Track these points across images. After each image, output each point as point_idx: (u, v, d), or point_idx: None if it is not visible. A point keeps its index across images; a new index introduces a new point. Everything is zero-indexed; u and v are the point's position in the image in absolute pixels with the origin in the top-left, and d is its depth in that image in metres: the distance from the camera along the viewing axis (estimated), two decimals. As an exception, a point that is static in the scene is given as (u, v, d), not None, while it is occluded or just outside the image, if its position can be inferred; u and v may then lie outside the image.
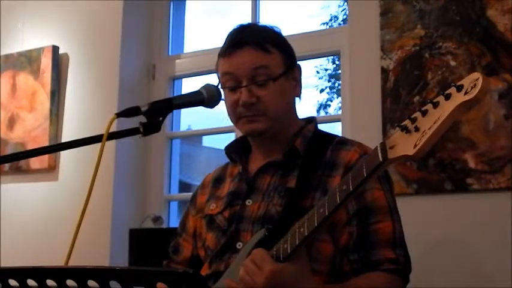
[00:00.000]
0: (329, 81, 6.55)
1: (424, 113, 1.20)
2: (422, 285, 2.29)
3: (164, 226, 3.13)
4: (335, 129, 2.88)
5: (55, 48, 3.40)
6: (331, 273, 1.62)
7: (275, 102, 1.72)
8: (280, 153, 1.76)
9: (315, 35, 2.97)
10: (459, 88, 1.14)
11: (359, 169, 1.31)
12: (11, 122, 3.48)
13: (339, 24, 5.08)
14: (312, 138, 1.78)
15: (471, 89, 1.10)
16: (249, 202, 1.75)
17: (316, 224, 1.39)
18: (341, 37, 2.81)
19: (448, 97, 1.15)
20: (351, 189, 1.32)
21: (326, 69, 6.47)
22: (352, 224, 1.62)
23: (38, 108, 3.39)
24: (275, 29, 1.83)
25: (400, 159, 1.23)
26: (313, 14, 3.90)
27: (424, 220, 2.37)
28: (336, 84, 6.25)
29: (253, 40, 1.73)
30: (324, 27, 4.04)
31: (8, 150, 3.39)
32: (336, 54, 3.06)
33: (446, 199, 2.34)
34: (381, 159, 1.25)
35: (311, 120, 1.85)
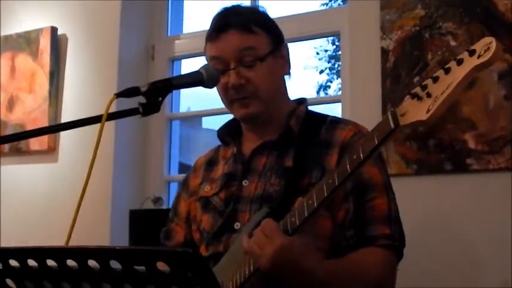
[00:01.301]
0: (329, 62, 6.55)
1: (436, 80, 1.20)
2: (420, 264, 2.30)
3: (164, 207, 3.13)
4: (335, 110, 2.87)
5: (53, 29, 3.38)
6: (330, 249, 1.63)
7: (265, 82, 1.72)
8: (274, 133, 1.76)
9: (314, 16, 2.95)
10: (472, 53, 1.14)
11: (370, 138, 1.31)
12: (11, 104, 3.47)
13: (339, 4, 5.06)
14: (304, 118, 1.78)
15: (484, 52, 1.11)
16: (245, 183, 1.74)
17: (326, 195, 1.40)
18: (341, 17, 2.79)
19: (460, 62, 1.16)
20: (362, 157, 1.33)
21: (326, 50, 6.46)
22: (348, 200, 1.63)
23: (37, 89, 3.38)
24: (260, 9, 1.84)
25: (412, 125, 1.24)
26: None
27: (424, 200, 2.37)
28: (336, 66, 6.24)
29: (237, 22, 1.73)
30: (323, 8, 4.02)
31: (8, 132, 3.38)
32: (335, 35, 3.05)
33: (446, 179, 2.34)
34: (392, 126, 1.26)
35: (302, 101, 1.84)
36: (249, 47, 1.71)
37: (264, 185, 1.70)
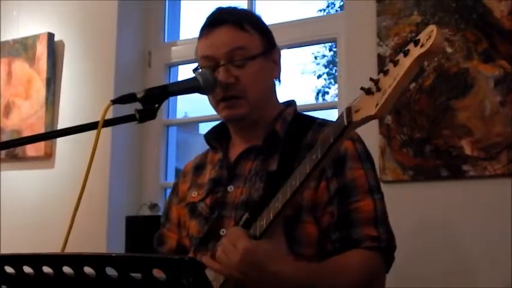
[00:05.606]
0: (326, 67, 6.55)
1: (386, 73, 1.20)
2: (417, 270, 2.30)
3: (161, 213, 3.12)
4: (332, 116, 2.87)
5: (50, 36, 3.39)
6: (316, 255, 1.60)
7: (254, 83, 1.70)
8: (261, 137, 1.74)
9: (311, 22, 2.95)
10: (416, 43, 1.14)
11: (327, 137, 1.32)
12: (7, 110, 3.47)
13: (336, 11, 5.07)
14: (291, 121, 1.75)
15: (426, 41, 1.11)
16: (230, 188, 1.73)
17: (288, 196, 1.38)
18: (338, 24, 2.80)
19: (406, 53, 1.16)
20: (319, 156, 1.32)
21: (324, 56, 6.46)
22: (333, 203, 1.61)
23: (34, 95, 3.38)
24: (254, 13, 1.83)
25: (364, 120, 1.23)
26: (309, 0, 3.88)
27: (420, 207, 2.37)
28: (334, 71, 6.24)
29: (231, 19, 1.73)
30: (321, 14, 4.03)
31: (4, 138, 3.39)
32: (332, 41, 3.05)
33: (442, 186, 2.34)
34: (345, 123, 1.26)
35: (290, 104, 1.83)
36: (240, 46, 1.70)
37: (249, 190, 1.68)
